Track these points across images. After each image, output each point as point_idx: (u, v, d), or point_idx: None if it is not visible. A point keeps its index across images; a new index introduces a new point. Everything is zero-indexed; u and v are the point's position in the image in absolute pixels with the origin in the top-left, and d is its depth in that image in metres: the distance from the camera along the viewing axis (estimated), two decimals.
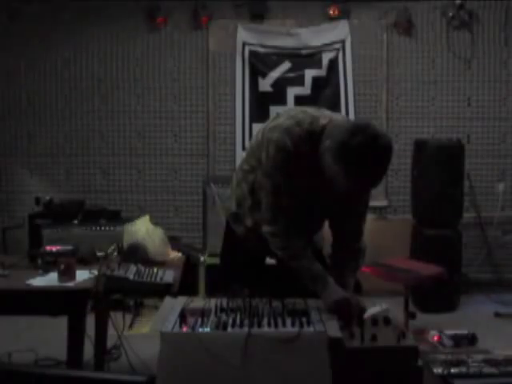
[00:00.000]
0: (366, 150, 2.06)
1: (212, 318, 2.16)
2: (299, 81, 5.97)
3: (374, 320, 2.21)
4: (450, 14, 5.94)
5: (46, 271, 3.06)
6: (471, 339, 4.24)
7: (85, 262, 3.16)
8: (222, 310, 2.25)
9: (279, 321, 2.12)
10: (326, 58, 5.98)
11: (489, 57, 6.02)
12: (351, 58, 5.99)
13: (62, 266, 2.92)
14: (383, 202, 6.02)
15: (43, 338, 4.22)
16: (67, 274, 2.91)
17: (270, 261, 2.68)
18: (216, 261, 3.05)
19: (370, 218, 2.65)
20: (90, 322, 3.16)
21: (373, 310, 2.28)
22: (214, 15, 5.91)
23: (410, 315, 4.21)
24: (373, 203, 2.68)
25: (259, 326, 2.08)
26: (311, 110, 2.41)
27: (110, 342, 3.68)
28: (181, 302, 2.33)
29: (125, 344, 3.41)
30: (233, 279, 2.65)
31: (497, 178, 6.07)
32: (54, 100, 6.08)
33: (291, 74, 5.97)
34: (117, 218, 5.43)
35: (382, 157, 2.11)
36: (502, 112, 6.06)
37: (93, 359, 3.46)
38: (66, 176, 6.11)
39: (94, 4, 5.92)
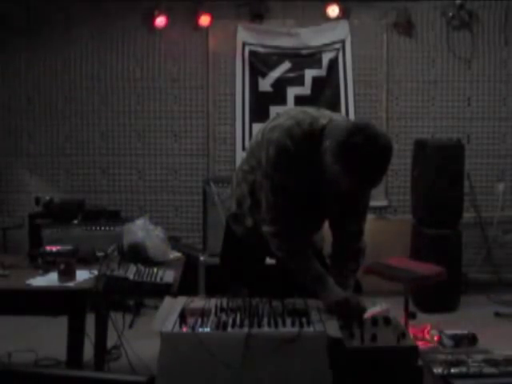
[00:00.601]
0: (366, 150, 2.06)
1: (212, 317, 2.16)
2: (299, 81, 5.97)
3: (374, 320, 2.21)
4: (450, 14, 5.93)
5: (46, 271, 3.06)
6: (471, 339, 4.24)
7: (85, 262, 3.16)
8: (222, 309, 2.25)
9: (279, 321, 2.12)
10: (325, 58, 5.97)
11: (489, 57, 6.02)
12: (351, 58, 5.99)
13: (62, 266, 2.92)
14: (383, 202, 6.02)
15: (43, 338, 4.23)
16: (67, 274, 2.92)
17: (270, 261, 2.68)
18: (216, 261, 3.04)
19: (370, 218, 2.65)
20: (90, 321, 3.16)
21: (373, 309, 2.29)
22: (214, 15, 5.90)
23: (410, 315, 4.20)
24: (373, 203, 2.68)
25: (259, 326, 2.08)
26: (311, 110, 2.41)
27: (109, 342, 3.68)
28: (181, 301, 2.33)
29: (125, 344, 3.41)
30: (233, 279, 2.65)
31: (497, 178, 6.07)
32: (54, 100, 6.07)
33: (291, 74, 5.97)
34: (117, 217, 5.44)
35: (382, 157, 2.11)
36: (502, 112, 6.06)
37: (93, 359, 3.46)
38: (65, 176, 6.11)
39: (94, 4, 5.91)
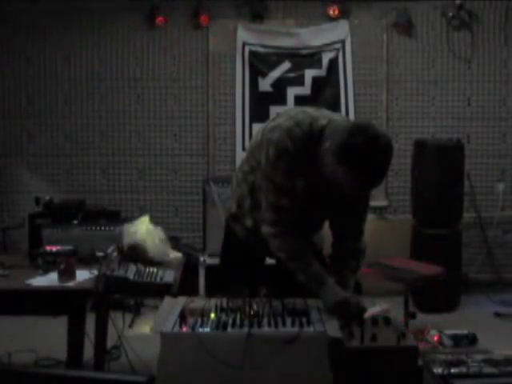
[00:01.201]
0: (367, 151, 2.06)
1: (212, 318, 2.16)
2: (299, 81, 5.97)
3: (374, 320, 2.21)
4: (450, 14, 5.93)
5: (46, 271, 3.06)
6: (471, 339, 4.24)
7: (85, 262, 3.16)
8: (222, 309, 2.25)
9: (279, 321, 2.12)
10: (325, 58, 5.97)
11: (489, 57, 6.03)
12: (351, 58, 5.99)
13: (62, 266, 2.92)
14: (383, 202, 6.02)
15: (43, 338, 4.23)
16: (67, 274, 2.92)
17: (270, 261, 2.68)
18: (216, 261, 3.05)
19: (370, 218, 2.65)
20: (90, 321, 3.16)
21: (373, 309, 2.29)
22: (214, 15, 5.90)
23: (410, 315, 4.20)
24: (373, 203, 2.68)
25: (259, 326, 2.08)
26: (311, 110, 2.41)
27: (109, 342, 3.68)
28: (181, 302, 2.33)
29: (125, 344, 3.41)
30: (233, 279, 2.65)
31: (497, 178, 6.07)
32: (54, 100, 6.07)
33: (291, 74, 5.97)
34: (117, 217, 5.43)
35: (382, 157, 2.11)
36: (502, 112, 6.06)
37: (93, 359, 3.46)
38: (66, 176, 6.11)
39: (94, 4, 5.91)
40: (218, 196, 5.16)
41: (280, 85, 5.97)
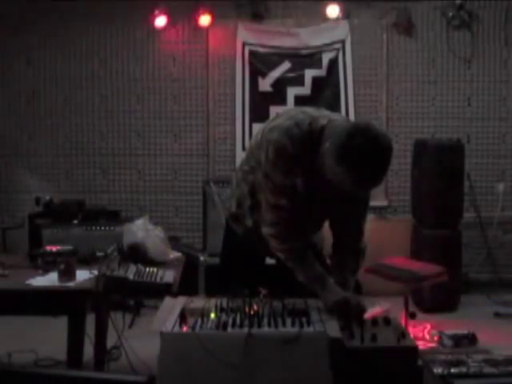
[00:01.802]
0: (367, 151, 2.06)
1: (212, 317, 2.16)
2: (299, 81, 5.97)
3: (374, 320, 2.21)
4: (450, 14, 5.93)
5: (46, 271, 3.06)
6: (471, 339, 4.24)
7: (85, 262, 3.16)
8: (222, 309, 2.25)
9: (279, 321, 2.12)
10: (326, 57, 5.97)
11: (489, 57, 6.02)
12: (351, 58, 5.99)
13: (62, 266, 2.92)
14: (383, 202, 6.02)
15: (43, 338, 4.22)
16: (67, 274, 2.92)
17: (270, 261, 2.68)
18: (216, 261, 3.05)
19: (370, 218, 2.65)
20: (90, 321, 3.16)
21: (373, 309, 2.29)
22: (214, 15, 5.90)
23: (410, 315, 4.20)
24: (373, 203, 2.68)
25: (259, 326, 2.08)
26: (310, 111, 2.41)
27: (109, 342, 3.68)
28: (181, 301, 2.33)
29: (125, 344, 3.41)
30: (233, 279, 2.65)
31: (497, 178, 6.07)
32: (54, 100, 6.07)
33: (291, 74, 5.97)
34: (117, 217, 5.43)
35: (382, 157, 2.11)
36: (502, 112, 6.06)
37: (93, 359, 3.46)
38: (65, 176, 6.11)
39: (93, 4, 5.91)
40: (218, 196, 5.17)
41: (280, 85, 5.97)
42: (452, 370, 1.99)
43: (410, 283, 4.31)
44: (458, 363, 2.04)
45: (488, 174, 6.06)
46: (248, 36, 5.97)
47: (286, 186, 2.34)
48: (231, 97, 6.04)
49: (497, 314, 5.10)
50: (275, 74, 5.97)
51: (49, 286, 2.90)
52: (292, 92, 5.96)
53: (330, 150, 2.15)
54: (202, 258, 5.10)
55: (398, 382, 2.01)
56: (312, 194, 2.38)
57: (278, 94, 5.96)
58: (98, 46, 6.03)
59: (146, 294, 3.76)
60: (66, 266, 2.92)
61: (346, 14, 5.94)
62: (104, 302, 3.31)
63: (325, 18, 5.95)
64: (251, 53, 5.99)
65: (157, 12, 5.86)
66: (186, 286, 3.17)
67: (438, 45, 6.03)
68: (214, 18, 5.91)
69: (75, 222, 4.97)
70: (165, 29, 5.96)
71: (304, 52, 5.98)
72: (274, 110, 5.75)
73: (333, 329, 2.09)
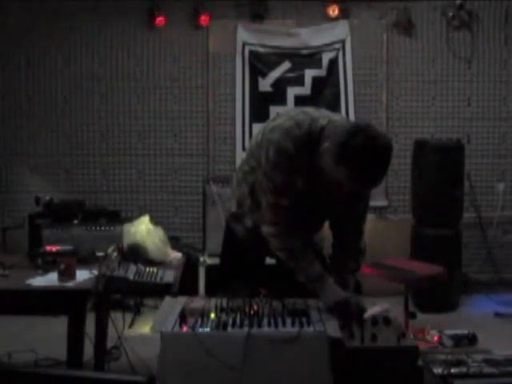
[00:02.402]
0: (366, 151, 2.07)
1: (212, 317, 2.16)
2: (299, 81, 5.97)
3: (374, 320, 2.21)
4: (450, 14, 5.93)
5: (46, 271, 3.06)
6: (471, 339, 4.24)
7: (85, 262, 3.16)
8: (222, 309, 2.25)
9: (279, 321, 2.12)
10: (326, 57, 5.98)
11: (489, 57, 6.02)
12: (351, 58, 5.99)
13: (62, 266, 2.92)
14: (383, 202, 6.02)
15: (43, 338, 4.22)
16: (67, 274, 2.91)
17: (270, 261, 2.68)
18: (216, 261, 3.05)
19: (370, 217, 2.65)
20: (90, 321, 3.16)
21: (373, 309, 2.29)
22: (214, 15, 5.90)
23: (410, 315, 4.20)
24: (373, 203, 2.68)
25: (259, 326, 2.08)
26: (310, 111, 2.41)
27: (109, 342, 3.68)
28: (181, 301, 2.33)
29: (125, 344, 3.41)
30: (233, 279, 2.65)
31: (497, 178, 6.07)
32: (54, 100, 6.07)
33: (291, 74, 5.97)
34: (117, 218, 5.43)
35: (381, 157, 2.11)
36: (502, 112, 6.06)
37: (93, 359, 3.46)
38: (65, 176, 6.11)
39: (93, 3, 5.92)
40: (218, 196, 5.16)
41: (280, 85, 5.97)
42: (452, 370, 2.00)
43: (410, 283, 4.31)
44: (458, 363, 2.05)
45: (488, 174, 6.06)
46: (248, 36, 5.97)
47: (286, 186, 2.34)
48: (231, 97, 6.04)
49: (497, 314, 5.10)
50: (275, 74, 5.97)
51: (49, 286, 2.90)
52: (292, 92, 5.96)
53: (330, 150, 2.16)
54: (201, 258, 5.09)
55: (397, 382, 2.02)
56: (312, 193, 2.38)
57: (278, 94, 5.96)
58: (97, 46, 6.02)
59: (146, 294, 3.77)
60: (66, 266, 2.92)
61: (346, 14, 5.94)
62: (104, 302, 3.31)
63: (325, 18, 5.95)
64: (251, 53, 5.99)
65: (157, 12, 5.86)
66: (186, 286, 3.17)
67: (438, 45, 6.03)
68: (213, 17, 5.91)
69: (75, 222, 4.96)
70: (165, 29, 5.96)
71: (304, 52, 5.98)
72: (274, 110, 5.75)
73: (333, 329, 2.09)
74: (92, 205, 5.79)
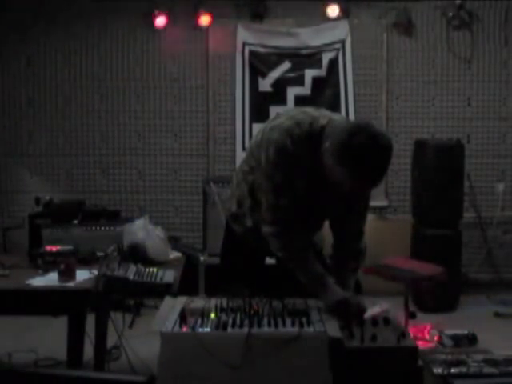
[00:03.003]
0: (367, 151, 2.07)
1: (212, 317, 2.16)
2: (299, 81, 5.97)
3: (374, 320, 2.21)
4: (450, 14, 5.93)
5: (46, 271, 3.06)
6: (471, 339, 4.24)
7: (85, 262, 3.16)
8: (222, 309, 2.25)
9: (279, 321, 2.12)
10: (326, 58, 5.97)
11: (489, 57, 6.02)
12: (351, 58, 5.99)
13: (62, 266, 2.92)
14: (383, 202, 6.02)
15: (43, 338, 4.23)
16: (67, 274, 2.92)
17: (270, 261, 2.68)
18: (216, 261, 3.05)
19: (370, 217, 2.65)
20: (90, 321, 3.16)
21: (373, 309, 2.29)
22: (214, 15, 5.90)
23: (410, 315, 4.21)
24: (373, 203, 2.68)
25: (259, 326, 2.08)
26: (311, 111, 2.41)
27: (109, 342, 3.68)
28: (181, 301, 2.33)
29: (125, 344, 3.41)
30: (233, 279, 2.65)
31: (497, 178, 6.06)
32: (54, 100, 6.07)
33: (291, 74, 5.97)
34: (117, 217, 5.42)
35: (382, 157, 2.11)
36: (501, 112, 6.06)
37: (93, 359, 3.46)
38: (65, 176, 6.11)
39: (93, 4, 5.92)
40: (218, 196, 5.17)
41: (280, 85, 5.97)
42: (452, 370, 2.00)
43: (410, 283, 4.31)
44: (458, 363, 2.05)
45: (488, 174, 6.06)
46: (248, 36, 5.97)
47: (286, 186, 2.34)
48: (231, 97, 6.04)
49: (497, 314, 5.11)
50: (275, 74, 5.97)
51: (49, 285, 2.90)
52: (292, 92, 5.96)
53: (330, 150, 2.16)
54: (202, 258, 5.09)
55: (397, 381, 2.02)
56: (312, 193, 2.38)
57: (278, 94, 5.95)
58: (97, 46, 6.02)
59: (146, 294, 3.77)
60: (66, 266, 2.92)
61: (346, 14, 5.94)
62: (104, 302, 3.31)
63: (325, 18, 5.95)
64: (251, 53, 5.98)
65: (157, 12, 5.85)
66: (186, 286, 3.17)
67: (438, 45, 6.03)
68: (213, 17, 5.90)
69: (75, 222, 4.96)
70: (165, 29, 5.96)
71: (304, 52, 5.98)
72: (274, 110, 5.75)
73: (333, 329, 2.09)
74: (92, 205, 5.79)
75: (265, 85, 5.99)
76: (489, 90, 6.05)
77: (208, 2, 5.88)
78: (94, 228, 4.40)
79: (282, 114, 2.47)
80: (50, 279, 2.96)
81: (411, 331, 4.01)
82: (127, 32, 6.01)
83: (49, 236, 4.03)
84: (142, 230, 3.39)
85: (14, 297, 2.88)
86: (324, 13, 5.92)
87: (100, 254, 3.23)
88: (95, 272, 2.91)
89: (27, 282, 2.91)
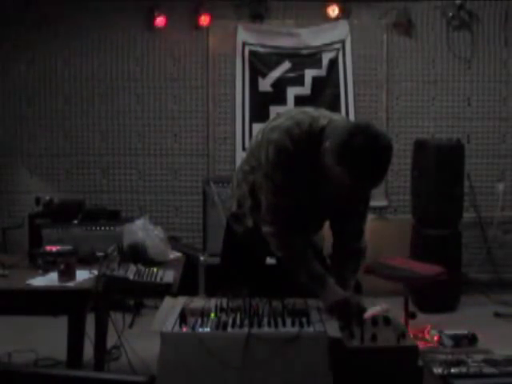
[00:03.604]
0: (367, 151, 2.06)
1: (212, 317, 2.16)
2: (299, 81, 5.97)
3: (374, 320, 2.21)
4: (450, 14, 5.94)
5: (46, 271, 3.06)
6: (471, 339, 4.24)
7: (85, 262, 3.16)
8: (222, 309, 2.25)
9: (279, 321, 2.12)
10: (325, 58, 5.98)
11: (489, 57, 6.03)
12: (351, 58, 5.99)
13: (62, 266, 2.92)
14: (383, 202, 6.02)
15: (43, 338, 4.22)
16: (67, 274, 2.91)
17: (270, 261, 2.68)
18: (216, 261, 3.04)
19: (370, 217, 2.65)
20: (90, 321, 3.16)
21: (373, 309, 2.29)
22: (214, 15, 5.90)
23: (410, 315, 4.20)
24: (373, 203, 2.68)
25: (259, 326, 2.08)
26: (311, 111, 2.41)
27: (109, 342, 3.68)
28: (181, 301, 2.33)
29: (125, 344, 3.41)
30: (233, 279, 2.65)
31: (497, 178, 6.07)
32: (54, 100, 6.07)
33: (291, 74, 5.97)
34: (117, 217, 5.42)
35: (382, 157, 2.11)
36: (502, 112, 6.06)
37: (93, 359, 3.46)
38: (65, 176, 6.11)
39: (93, 4, 5.92)
40: (218, 196, 5.16)
41: (280, 85, 5.97)
42: (452, 370, 1.99)
43: (410, 283, 4.31)
44: (458, 363, 2.04)
45: (488, 174, 6.06)
46: (248, 36, 5.97)
47: (287, 186, 2.34)
48: (231, 97, 6.04)
49: (497, 314, 5.10)
50: (275, 73, 5.97)
51: (49, 285, 2.90)
52: (292, 92, 5.96)
53: (331, 150, 2.15)
54: (202, 258, 5.09)
55: (397, 382, 2.02)
56: (312, 193, 2.38)
57: (278, 94, 5.96)
58: (97, 46, 6.02)
59: (146, 294, 3.76)
60: (66, 265, 2.92)
61: (346, 14, 5.94)
62: (104, 302, 3.31)
63: (325, 18, 5.95)
64: (251, 53, 5.99)
65: (157, 12, 5.86)
66: (186, 286, 3.17)
67: (438, 45, 6.03)
68: (213, 17, 5.91)
69: (75, 222, 4.96)
70: (165, 29, 5.96)
71: (304, 52, 5.99)
72: (274, 110, 5.75)
73: (333, 329, 2.09)
74: (92, 205, 5.79)
75: (265, 85, 5.99)
76: (489, 89, 6.05)
77: (208, 2, 5.88)
78: (93, 228, 4.40)
79: (282, 114, 2.46)
80: (50, 279, 2.96)
81: (411, 331, 4.00)
82: (127, 32, 6.01)
83: (49, 236, 4.03)
84: (142, 230, 3.39)
85: (14, 297, 2.88)
86: (324, 13, 5.93)
87: (100, 254, 3.22)
88: (95, 272, 2.91)
89: (27, 282, 2.91)
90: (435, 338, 4.34)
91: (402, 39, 6.03)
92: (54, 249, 3.29)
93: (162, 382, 1.95)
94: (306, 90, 5.96)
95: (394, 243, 5.32)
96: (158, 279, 2.98)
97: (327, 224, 2.61)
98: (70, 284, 2.89)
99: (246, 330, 2.04)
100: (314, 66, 5.98)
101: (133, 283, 2.89)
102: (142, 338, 3.30)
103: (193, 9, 5.91)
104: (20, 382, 1.49)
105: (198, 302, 2.32)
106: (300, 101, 5.82)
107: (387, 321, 2.21)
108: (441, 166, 5.24)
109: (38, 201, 5.55)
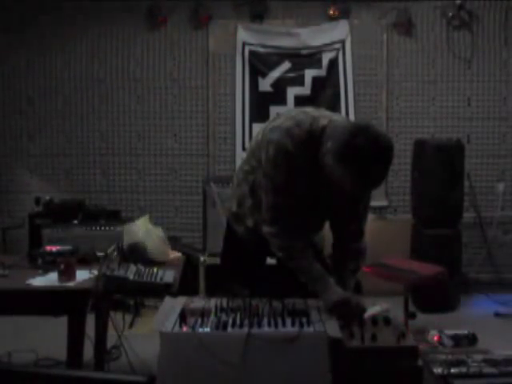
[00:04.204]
0: (368, 151, 2.06)
1: (212, 317, 2.16)
2: (299, 81, 5.97)
3: (374, 320, 2.21)
4: (450, 14, 5.94)
5: (46, 271, 3.06)
6: (471, 339, 4.23)
7: (85, 262, 3.16)
8: (222, 309, 2.25)
9: (279, 321, 2.12)
10: (326, 58, 5.98)
11: (489, 57, 6.03)
12: (351, 58, 5.99)
13: (62, 266, 2.92)
14: (383, 202, 6.02)
15: (43, 338, 4.22)
16: (67, 274, 2.91)
17: (270, 261, 2.68)
18: (216, 261, 3.05)
19: (370, 218, 2.65)
20: (90, 322, 3.16)
21: (373, 309, 2.29)
22: (214, 15, 5.91)
23: (410, 315, 4.20)
24: (373, 203, 2.68)
25: (259, 326, 2.08)
26: (311, 111, 2.41)
27: (109, 342, 3.68)
28: (181, 301, 2.33)
29: (125, 344, 3.40)
30: (233, 279, 2.65)
31: (497, 178, 6.07)
32: (54, 100, 6.07)
33: (291, 74, 5.98)
34: (117, 218, 5.43)
35: (383, 157, 2.11)
36: (502, 112, 6.06)
37: (93, 359, 3.46)
38: (65, 176, 6.11)
39: (93, 4, 5.92)
40: (218, 196, 5.16)
41: (280, 85, 5.97)
42: (452, 370, 1.99)
43: (410, 283, 4.31)
44: (458, 363, 2.05)
45: (488, 174, 6.06)
46: (248, 36, 5.98)
47: (287, 186, 2.34)
48: (231, 97, 6.04)
49: (497, 314, 5.10)
50: (275, 73, 5.98)
51: (49, 286, 2.90)
52: (292, 92, 5.96)
53: (331, 150, 2.15)
54: (202, 258, 5.10)
55: (398, 382, 2.02)
56: (313, 193, 2.38)
57: (278, 94, 5.96)
58: (98, 46, 6.03)
59: (146, 294, 3.76)
60: (66, 265, 2.92)
61: (346, 14, 5.94)
62: (104, 302, 3.31)
63: (325, 18, 5.95)
64: (251, 53, 5.99)
65: (157, 12, 5.86)
66: (186, 286, 3.17)
67: (438, 45, 6.03)
68: (213, 17, 5.91)
69: (75, 222, 4.97)
70: (165, 29, 5.96)
71: (304, 52, 5.99)
72: (274, 110, 5.76)
73: (333, 329, 2.09)
74: (92, 205, 5.79)
75: (265, 85, 5.99)
76: (489, 90, 6.05)
77: (208, 2, 5.89)
78: (94, 228, 4.41)
79: (283, 114, 2.47)
80: (50, 279, 2.96)
81: (411, 331, 4.00)
82: (127, 32, 6.01)
83: (49, 236, 4.04)
84: (142, 230, 3.39)
85: (14, 297, 2.88)
86: (324, 13, 5.93)
87: (100, 254, 3.23)
88: (95, 272, 2.91)
89: (27, 282, 2.91)
90: (435, 338, 4.34)
91: (402, 39, 6.04)
92: (54, 249, 3.29)
93: (162, 382, 1.95)
94: (305, 90, 5.97)
95: (394, 243, 5.32)
96: (158, 279, 2.98)
97: (327, 224, 2.61)
98: (70, 284, 2.89)
99: (245, 329, 2.04)
100: (314, 65, 5.98)
101: (133, 283, 2.89)
102: (142, 338, 3.31)
103: (193, 9, 5.92)
104: (20, 382, 1.49)
105: (198, 302, 2.32)
106: (300, 101, 5.82)
107: (387, 321, 2.21)
108: (441, 166, 5.24)
109: (38, 201, 5.56)
